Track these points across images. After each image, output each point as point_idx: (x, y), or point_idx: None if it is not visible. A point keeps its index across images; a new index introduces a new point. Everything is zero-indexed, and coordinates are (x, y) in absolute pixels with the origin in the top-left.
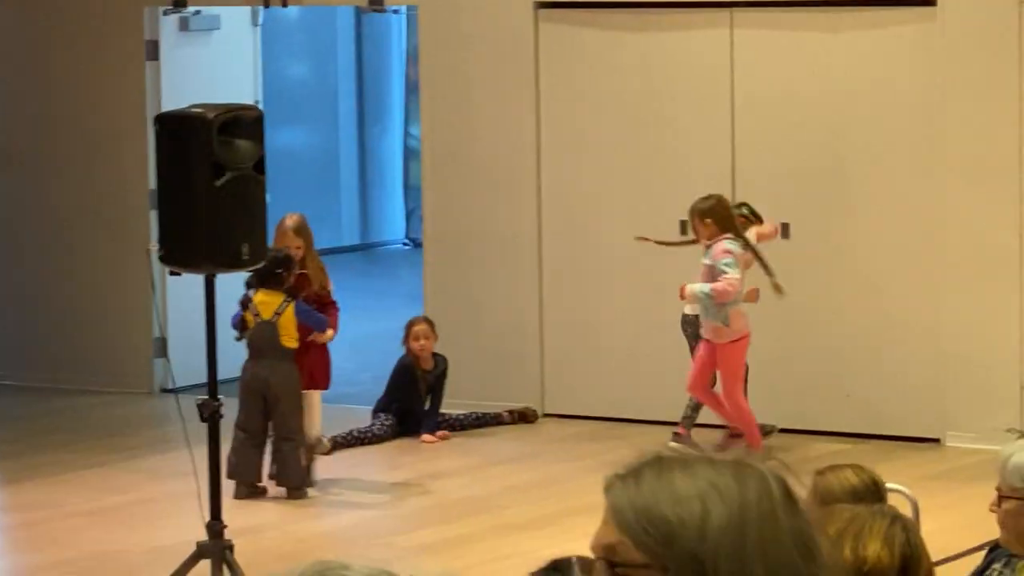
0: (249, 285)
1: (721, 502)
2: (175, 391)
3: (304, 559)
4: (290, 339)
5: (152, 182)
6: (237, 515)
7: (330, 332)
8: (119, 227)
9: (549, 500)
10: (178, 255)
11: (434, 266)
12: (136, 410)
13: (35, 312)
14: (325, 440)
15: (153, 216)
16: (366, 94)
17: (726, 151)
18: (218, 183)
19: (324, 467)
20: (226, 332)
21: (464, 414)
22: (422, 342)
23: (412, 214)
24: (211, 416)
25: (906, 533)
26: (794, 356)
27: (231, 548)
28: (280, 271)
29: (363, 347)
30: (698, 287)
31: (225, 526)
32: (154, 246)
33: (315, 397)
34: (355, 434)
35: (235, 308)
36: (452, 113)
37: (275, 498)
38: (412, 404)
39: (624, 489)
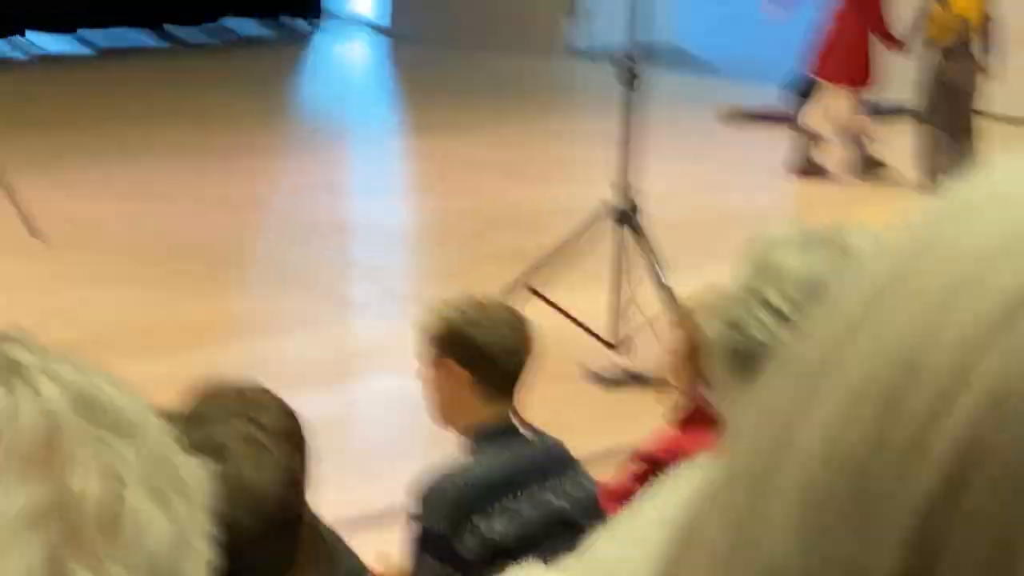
0: None
1: None
2: (590, 54)
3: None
4: None
5: None
6: (648, 182)
7: None
8: None
9: None
10: None
11: None
12: (545, 70)
13: None
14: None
15: None
16: None
17: None
18: None
19: None
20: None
21: None
22: None
23: None
24: (632, 80)
25: None
26: None
27: (636, 210)
28: None
29: None
30: None
31: (634, 189)
32: None
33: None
34: None
35: None
36: None
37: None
38: None
39: None
